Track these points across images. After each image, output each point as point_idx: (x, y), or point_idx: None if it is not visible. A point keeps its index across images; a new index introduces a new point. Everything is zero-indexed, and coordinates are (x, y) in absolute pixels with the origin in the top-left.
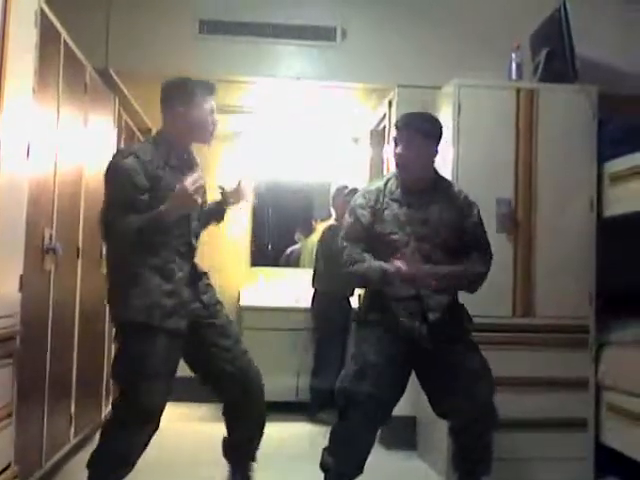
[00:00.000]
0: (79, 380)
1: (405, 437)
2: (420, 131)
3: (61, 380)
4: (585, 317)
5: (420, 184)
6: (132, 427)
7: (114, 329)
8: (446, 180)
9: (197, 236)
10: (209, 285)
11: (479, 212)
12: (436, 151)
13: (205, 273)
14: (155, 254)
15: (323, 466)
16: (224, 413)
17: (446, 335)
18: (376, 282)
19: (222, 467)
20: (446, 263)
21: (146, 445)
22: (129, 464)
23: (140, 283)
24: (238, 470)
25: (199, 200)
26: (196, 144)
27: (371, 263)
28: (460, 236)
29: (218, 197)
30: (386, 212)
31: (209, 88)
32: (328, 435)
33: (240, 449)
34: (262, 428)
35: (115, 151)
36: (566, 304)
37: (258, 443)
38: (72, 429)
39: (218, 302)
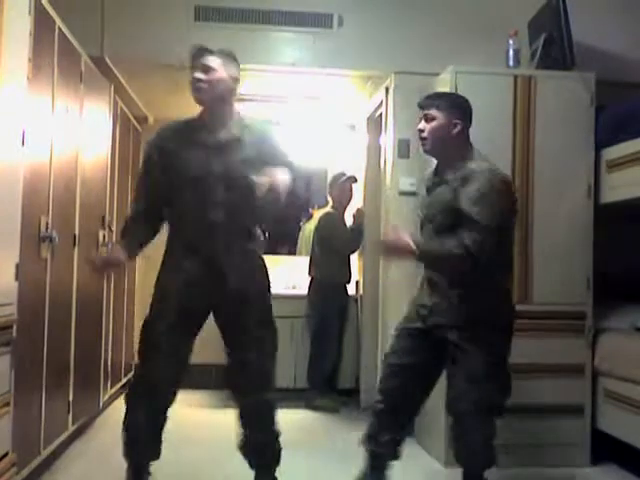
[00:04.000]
0: (77, 368)
1: None
2: (426, 106)
3: (59, 368)
4: (582, 303)
5: (441, 162)
6: (134, 400)
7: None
8: (473, 160)
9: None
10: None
11: (482, 187)
12: (447, 125)
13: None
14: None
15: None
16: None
17: (448, 325)
18: None
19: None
20: None
21: (153, 427)
22: (136, 440)
23: None
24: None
25: None
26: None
27: None
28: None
29: None
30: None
31: (195, 50)
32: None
33: (253, 454)
34: (266, 434)
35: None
36: (563, 291)
37: (269, 447)
38: (70, 417)
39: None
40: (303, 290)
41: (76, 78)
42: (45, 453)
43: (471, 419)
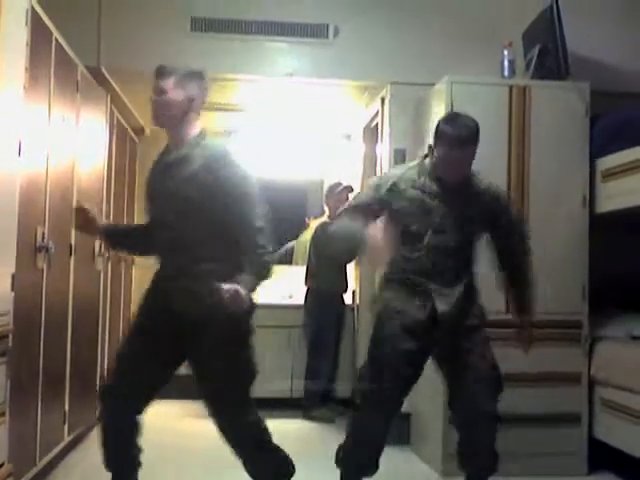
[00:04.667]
0: (73, 378)
1: (399, 433)
2: (471, 139)
3: (55, 378)
4: (578, 312)
5: (457, 182)
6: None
7: None
8: (475, 174)
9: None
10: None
11: (504, 194)
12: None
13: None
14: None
15: (338, 463)
16: None
17: (457, 325)
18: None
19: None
20: (462, 258)
21: (121, 432)
22: (106, 445)
23: None
24: None
25: None
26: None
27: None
28: (481, 233)
29: None
30: (405, 200)
31: (155, 69)
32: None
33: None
34: (243, 451)
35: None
36: (559, 300)
37: (252, 465)
38: (66, 427)
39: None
40: (300, 300)
41: (72, 88)
42: (41, 463)
43: (486, 421)
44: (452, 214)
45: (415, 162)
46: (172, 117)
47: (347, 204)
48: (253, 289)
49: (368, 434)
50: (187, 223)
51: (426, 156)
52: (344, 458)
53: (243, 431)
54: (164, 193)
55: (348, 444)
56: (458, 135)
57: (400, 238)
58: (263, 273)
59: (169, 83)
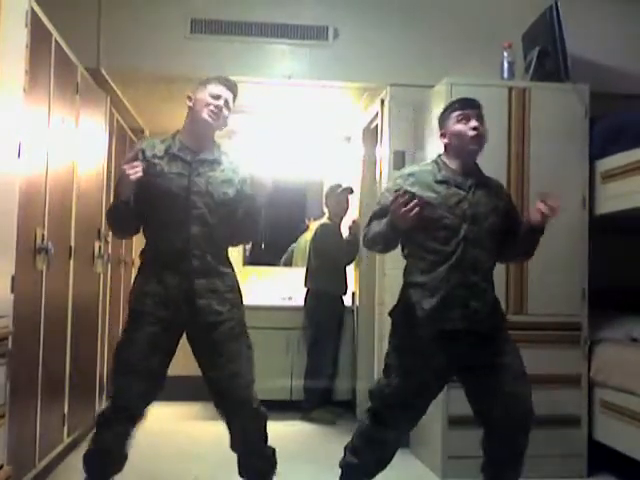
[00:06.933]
0: (72, 380)
1: None
2: (477, 106)
3: (54, 380)
4: (577, 314)
5: (468, 164)
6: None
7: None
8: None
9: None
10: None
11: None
12: None
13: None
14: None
15: (344, 465)
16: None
17: (490, 329)
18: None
19: (211, 464)
20: (495, 247)
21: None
22: (111, 456)
23: None
24: None
25: None
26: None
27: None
28: (505, 222)
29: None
30: (432, 191)
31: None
32: (354, 434)
33: (242, 468)
34: (255, 451)
35: None
36: (559, 301)
37: (260, 464)
38: (65, 429)
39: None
40: (299, 301)
41: (72, 89)
42: (40, 466)
43: (530, 422)
44: (480, 204)
45: (428, 161)
46: (224, 123)
47: (373, 211)
48: None
49: (385, 442)
50: (220, 220)
51: (439, 156)
52: (352, 461)
53: (249, 425)
54: (200, 189)
55: (359, 448)
56: (464, 99)
57: (430, 232)
58: None
59: (231, 95)
